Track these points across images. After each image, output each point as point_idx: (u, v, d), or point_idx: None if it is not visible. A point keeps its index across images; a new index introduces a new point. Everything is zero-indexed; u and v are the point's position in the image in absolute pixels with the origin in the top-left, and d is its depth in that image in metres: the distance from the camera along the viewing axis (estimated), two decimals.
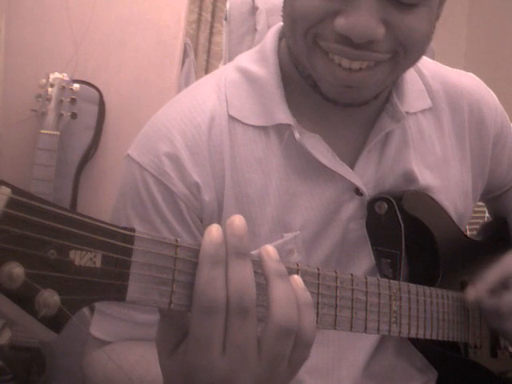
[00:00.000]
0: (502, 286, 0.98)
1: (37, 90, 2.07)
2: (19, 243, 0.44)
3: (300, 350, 0.62)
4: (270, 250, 0.63)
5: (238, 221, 0.61)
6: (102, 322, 0.97)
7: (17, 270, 0.43)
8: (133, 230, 0.53)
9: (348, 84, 0.85)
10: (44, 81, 2.07)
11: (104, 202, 1.94)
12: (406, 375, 1.06)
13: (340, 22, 0.79)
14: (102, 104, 2.24)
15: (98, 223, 0.50)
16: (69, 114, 2.07)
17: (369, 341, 1.02)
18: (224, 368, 0.59)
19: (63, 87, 2.07)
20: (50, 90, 2.06)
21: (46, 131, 2.03)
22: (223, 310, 0.57)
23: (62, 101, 2.06)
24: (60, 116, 2.05)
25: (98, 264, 0.49)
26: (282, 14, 0.90)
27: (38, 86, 2.07)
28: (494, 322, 0.99)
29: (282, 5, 1.31)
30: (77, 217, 0.48)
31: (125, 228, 0.52)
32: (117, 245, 0.51)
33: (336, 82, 0.85)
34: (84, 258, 0.48)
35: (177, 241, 0.57)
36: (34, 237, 0.45)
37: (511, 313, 0.96)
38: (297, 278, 0.63)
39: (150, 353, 0.92)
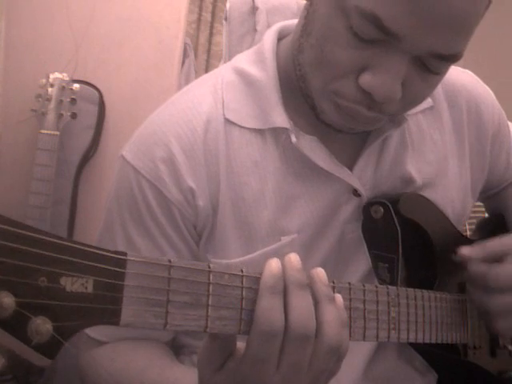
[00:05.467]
0: (496, 258, 0.94)
1: (37, 90, 2.06)
2: (8, 272, 0.44)
3: (338, 363, 0.71)
4: (320, 273, 0.70)
5: (294, 257, 0.69)
6: None
7: (7, 299, 0.43)
8: (124, 253, 0.52)
9: (351, 126, 0.88)
10: (44, 81, 2.06)
11: (104, 202, 1.93)
12: (407, 378, 1.06)
13: (366, 79, 0.79)
14: (101, 104, 2.23)
15: (88, 249, 0.49)
16: (69, 113, 2.07)
17: (368, 343, 1.02)
18: (276, 383, 0.66)
19: (63, 87, 2.07)
20: (50, 89, 2.05)
21: (46, 131, 2.03)
22: (281, 335, 0.64)
23: (61, 101, 2.06)
24: (60, 116, 2.05)
25: (90, 289, 0.49)
26: (304, 37, 0.86)
27: (38, 86, 2.06)
28: (477, 293, 0.96)
29: (283, 6, 1.33)
30: (66, 243, 0.48)
31: (116, 252, 0.52)
32: (109, 269, 0.51)
33: (341, 122, 0.87)
34: (75, 283, 0.48)
35: (170, 261, 0.57)
36: (23, 265, 0.45)
37: (496, 286, 0.92)
38: (339, 299, 0.71)
39: (156, 358, 0.94)
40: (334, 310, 0.68)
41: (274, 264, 0.67)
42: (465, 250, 0.95)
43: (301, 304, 0.66)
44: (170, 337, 1.02)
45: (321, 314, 0.67)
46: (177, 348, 1.05)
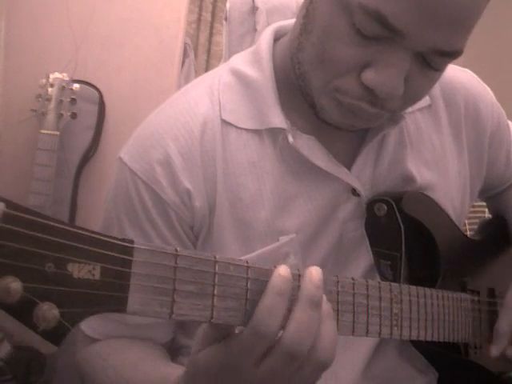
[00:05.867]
0: None
1: (37, 90, 2.07)
2: (16, 257, 0.44)
3: (315, 372, 0.67)
4: (313, 274, 0.66)
5: (316, 271, 0.66)
6: (94, 320, 0.96)
7: (14, 284, 0.43)
8: (131, 241, 0.52)
9: (352, 123, 0.88)
10: (44, 81, 2.07)
11: (103, 202, 1.94)
12: (407, 377, 1.06)
13: (369, 75, 0.79)
14: (101, 104, 2.24)
15: (96, 235, 0.49)
16: (69, 113, 2.07)
17: (368, 342, 1.02)
18: (251, 379, 0.65)
19: (63, 87, 2.07)
20: (50, 89, 2.06)
21: (46, 131, 2.03)
22: (272, 340, 0.62)
23: (61, 101, 2.06)
24: (60, 116, 2.05)
25: (97, 276, 0.49)
26: (304, 35, 0.86)
27: (38, 86, 2.07)
28: None
29: (283, 6, 1.33)
30: (74, 230, 0.48)
31: (123, 239, 0.52)
32: (116, 257, 0.51)
33: (341, 120, 0.87)
34: (82, 270, 0.48)
35: (176, 250, 0.57)
36: (31, 251, 0.45)
37: None
38: (325, 307, 0.67)
39: (149, 354, 0.94)
40: (333, 328, 0.67)
41: (282, 269, 0.64)
42: (495, 351, 1.02)
43: (304, 320, 0.63)
44: (169, 337, 1.02)
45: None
46: (175, 349, 1.05)
